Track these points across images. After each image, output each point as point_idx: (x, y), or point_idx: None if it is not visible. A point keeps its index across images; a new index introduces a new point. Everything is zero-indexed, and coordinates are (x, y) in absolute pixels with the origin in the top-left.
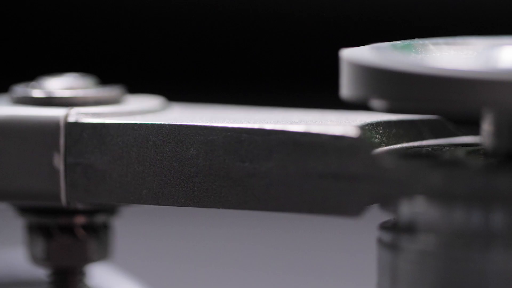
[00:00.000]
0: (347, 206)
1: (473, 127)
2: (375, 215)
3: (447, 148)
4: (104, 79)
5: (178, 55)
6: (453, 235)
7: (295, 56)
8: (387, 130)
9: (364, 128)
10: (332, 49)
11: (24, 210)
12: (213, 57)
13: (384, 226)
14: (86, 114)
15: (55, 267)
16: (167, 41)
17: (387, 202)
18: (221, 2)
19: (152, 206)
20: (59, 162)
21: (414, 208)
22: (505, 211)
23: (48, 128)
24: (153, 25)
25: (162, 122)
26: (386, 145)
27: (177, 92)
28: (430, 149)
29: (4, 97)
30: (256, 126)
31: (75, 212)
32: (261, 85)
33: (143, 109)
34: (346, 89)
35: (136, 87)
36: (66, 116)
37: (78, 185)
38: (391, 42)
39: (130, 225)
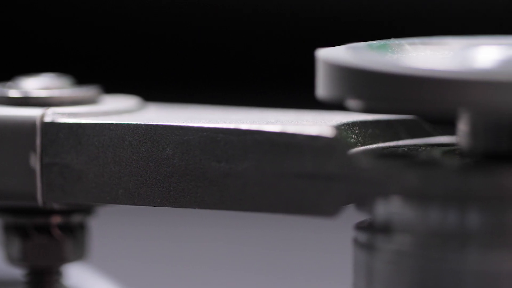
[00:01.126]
0: (323, 206)
1: (449, 127)
2: (351, 215)
3: (423, 148)
4: (80, 79)
5: (154, 55)
6: (428, 235)
7: (271, 56)
8: (363, 130)
9: (340, 128)
10: (308, 49)
11: (0, 210)
12: (189, 57)
13: (359, 226)
14: (63, 114)
15: (32, 267)
16: (143, 41)
17: (363, 202)
18: (196, 2)
19: (128, 206)
20: (35, 162)
21: (390, 208)
22: (481, 211)
23: (24, 128)
24: (129, 26)
25: (138, 122)
26: (362, 145)
27: (153, 92)
28: (406, 149)
29: None
30: (232, 126)
31: (52, 212)
32: (237, 85)
33: (119, 109)
34: (322, 89)
35: (112, 87)
36: (43, 116)
37: (54, 185)
38: (367, 42)
39: (106, 225)
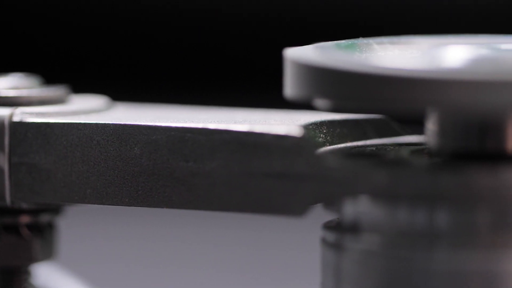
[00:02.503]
0: (291, 205)
1: (417, 126)
2: (319, 215)
3: (392, 147)
4: (49, 79)
5: (122, 55)
6: (397, 234)
7: (239, 56)
8: (331, 129)
9: (308, 127)
10: (276, 49)
11: None
12: (158, 57)
13: (328, 226)
14: (31, 114)
15: (0, 266)
16: (111, 41)
17: (331, 201)
18: (163, 1)
19: (97, 205)
20: (3, 161)
21: (358, 207)
22: (449, 211)
23: None
24: (97, 25)
25: (106, 122)
26: (330, 145)
27: (121, 92)
28: (374, 149)
29: None
30: (200, 125)
31: (20, 211)
32: (205, 85)
33: (87, 109)
34: (290, 88)
35: (80, 87)
36: (11, 116)
37: (22, 184)
38: (335, 42)
39: (75, 224)
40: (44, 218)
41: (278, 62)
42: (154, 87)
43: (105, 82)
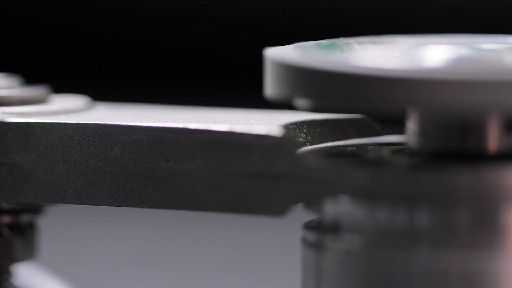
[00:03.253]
0: (271, 205)
1: (398, 126)
2: (300, 215)
3: (372, 147)
4: (29, 79)
5: (103, 55)
6: (377, 234)
7: (220, 55)
8: (312, 129)
9: (289, 127)
10: (257, 48)
11: None
12: (138, 57)
13: (308, 226)
14: (11, 114)
15: None
16: (91, 41)
17: (312, 201)
18: (145, 1)
19: (77, 205)
20: None
21: (339, 207)
22: (430, 211)
23: None
24: (78, 25)
25: (87, 122)
26: (310, 144)
27: (102, 91)
28: (354, 148)
29: None
30: (180, 125)
31: (1, 211)
32: (185, 85)
33: (68, 109)
34: (270, 88)
35: (61, 87)
36: None
37: (3, 184)
38: (316, 41)
39: (55, 224)
40: (25, 218)
41: (258, 62)
42: (135, 87)
43: (86, 82)
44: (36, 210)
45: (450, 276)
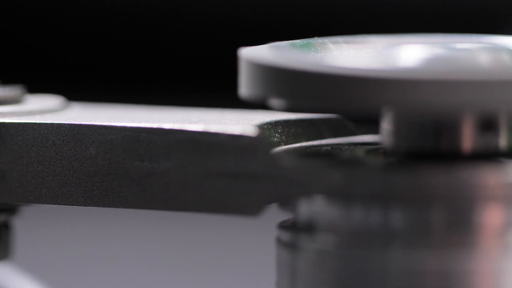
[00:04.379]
0: (246, 205)
1: (372, 126)
2: (274, 214)
3: (347, 147)
4: (4, 79)
5: (78, 55)
6: (352, 234)
7: (194, 55)
8: (286, 129)
9: (263, 127)
10: (231, 48)
11: None
12: (113, 57)
13: (283, 226)
14: None
15: None
16: (66, 41)
17: (286, 201)
18: (118, 0)
19: (52, 205)
20: None
21: (313, 207)
22: (404, 210)
23: None
24: (52, 24)
25: (62, 122)
26: (285, 144)
27: (76, 92)
28: (329, 148)
29: None
30: (155, 125)
31: None
32: (160, 84)
33: (42, 109)
34: (245, 88)
35: (36, 87)
36: None
37: None
38: (290, 41)
39: (30, 224)
40: None
41: (233, 62)
42: (109, 87)
43: (60, 82)
44: (11, 210)
45: (424, 276)
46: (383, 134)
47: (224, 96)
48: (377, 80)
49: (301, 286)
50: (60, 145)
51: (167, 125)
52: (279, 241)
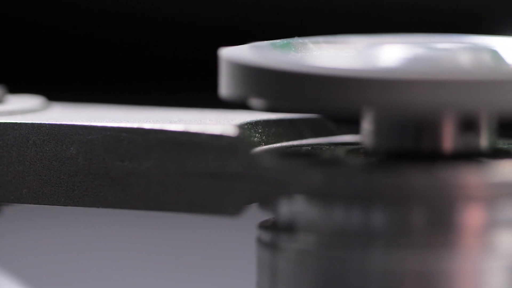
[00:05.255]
0: (226, 205)
1: (353, 126)
2: (255, 214)
3: (327, 147)
4: None
5: (59, 54)
6: (332, 234)
7: (174, 55)
8: (267, 129)
9: (243, 127)
10: (211, 48)
11: None
12: (93, 56)
13: (263, 226)
14: None
15: None
16: (47, 41)
17: (266, 201)
18: (99, 0)
19: (33, 205)
20: None
21: (294, 207)
22: (385, 210)
23: None
24: (33, 25)
25: (42, 122)
26: (265, 144)
27: (57, 91)
28: (310, 148)
29: None
30: (135, 125)
31: None
32: (140, 84)
33: (23, 109)
34: (225, 88)
35: (16, 87)
36: None
37: None
38: (270, 41)
39: (11, 224)
40: None
41: (213, 62)
42: (90, 87)
43: (41, 82)
44: None
45: (405, 276)
46: (364, 134)
47: (205, 96)
48: (357, 80)
49: (282, 286)
50: (41, 145)
51: (147, 125)
52: (259, 241)
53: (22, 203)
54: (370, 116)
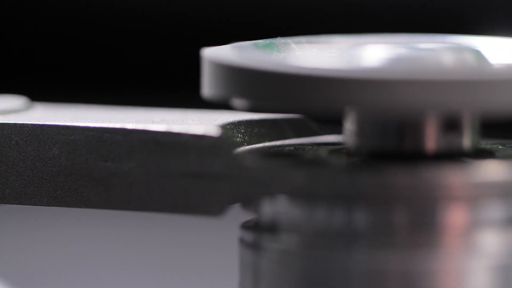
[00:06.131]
0: (209, 205)
1: (336, 126)
2: (237, 215)
3: (310, 147)
4: None
5: (41, 55)
6: (315, 234)
7: (156, 55)
8: (249, 129)
9: (226, 127)
10: (194, 48)
11: None
12: (76, 57)
13: (246, 226)
14: None
15: None
16: (30, 41)
17: (249, 201)
18: (80, 1)
19: (15, 205)
20: None
21: (276, 207)
22: (367, 211)
23: None
24: (14, 26)
25: (25, 122)
26: (248, 144)
27: (40, 92)
28: (292, 148)
29: None
30: (118, 125)
31: None
32: (123, 84)
33: (5, 109)
34: (207, 88)
35: None
36: None
37: None
38: (253, 41)
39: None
40: None
41: (195, 62)
42: (73, 87)
43: (24, 83)
44: None
45: (387, 276)
46: (346, 134)
47: (187, 96)
48: (339, 80)
49: (264, 286)
50: (23, 145)
51: (130, 125)
52: (242, 241)
53: (4, 203)
54: (353, 116)
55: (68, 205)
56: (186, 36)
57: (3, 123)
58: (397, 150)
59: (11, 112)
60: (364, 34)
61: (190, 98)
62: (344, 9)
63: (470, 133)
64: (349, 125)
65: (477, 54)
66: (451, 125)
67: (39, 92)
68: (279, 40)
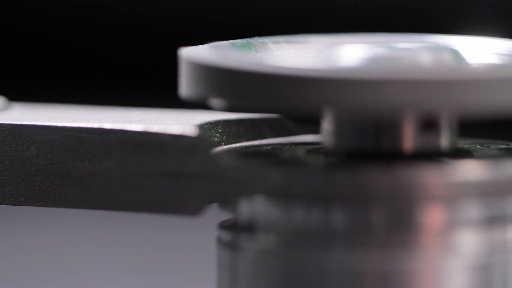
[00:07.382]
0: (187, 205)
1: (313, 125)
2: (215, 214)
3: (287, 147)
4: None
5: (20, 54)
6: (292, 234)
7: (134, 55)
8: (227, 129)
9: (203, 127)
10: (171, 48)
11: None
12: (54, 56)
13: (223, 225)
14: None
15: None
16: (7, 41)
17: (227, 201)
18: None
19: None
20: None
21: (254, 207)
22: (345, 210)
23: None
24: None
25: (3, 122)
26: (225, 144)
27: (18, 91)
28: (270, 148)
29: None
30: (95, 125)
31: None
32: (101, 84)
33: None
34: (185, 88)
35: None
36: None
37: None
38: (231, 41)
39: None
40: None
41: (173, 62)
42: (51, 87)
43: (1, 82)
44: None
45: (365, 276)
46: (324, 134)
47: (165, 96)
48: (317, 79)
49: (242, 286)
50: (1, 145)
51: (107, 125)
52: (219, 241)
53: None
54: (330, 116)
55: (46, 205)
56: (163, 36)
57: None
58: (374, 149)
59: None
60: (341, 33)
61: (168, 98)
62: (322, 9)
63: (447, 132)
64: (327, 124)
65: (455, 53)
66: (429, 124)
67: (17, 92)
68: (256, 40)
